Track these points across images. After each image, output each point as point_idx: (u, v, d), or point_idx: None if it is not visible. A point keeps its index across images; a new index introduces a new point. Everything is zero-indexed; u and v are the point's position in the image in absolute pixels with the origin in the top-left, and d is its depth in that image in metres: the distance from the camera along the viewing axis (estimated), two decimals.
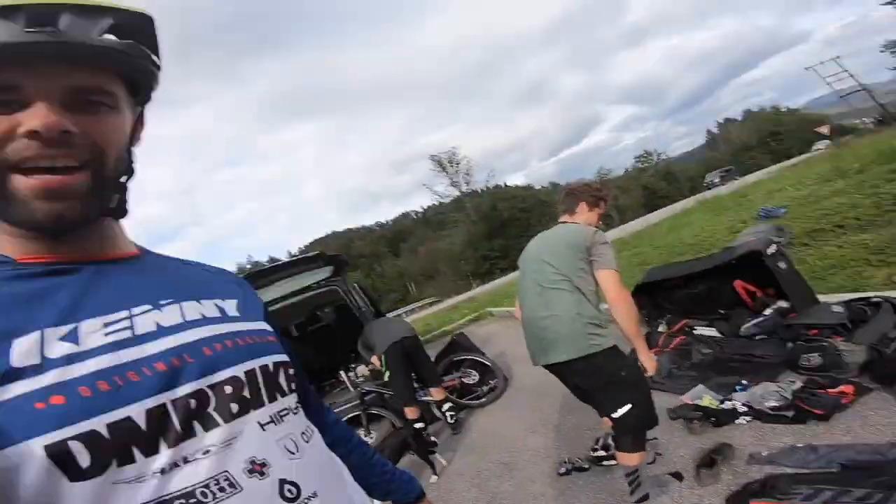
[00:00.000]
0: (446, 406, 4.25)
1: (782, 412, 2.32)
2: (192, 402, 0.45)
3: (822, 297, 3.14)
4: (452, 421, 4.24)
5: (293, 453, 0.50)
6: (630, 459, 1.99)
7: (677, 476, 2.24)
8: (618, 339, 1.98)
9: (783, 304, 3.17)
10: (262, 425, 0.49)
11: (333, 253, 4.86)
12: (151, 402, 0.43)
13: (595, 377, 1.96)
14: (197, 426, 0.45)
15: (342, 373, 4.84)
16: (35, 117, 0.44)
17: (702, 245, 6.48)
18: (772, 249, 3.12)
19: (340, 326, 6.33)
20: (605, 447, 2.66)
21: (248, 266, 68.07)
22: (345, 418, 4.32)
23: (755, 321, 3.24)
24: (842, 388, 2.27)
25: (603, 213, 2.23)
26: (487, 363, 4.86)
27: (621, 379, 1.92)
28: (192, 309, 0.52)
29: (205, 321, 0.52)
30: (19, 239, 0.49)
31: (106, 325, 0.46)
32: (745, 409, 2.47)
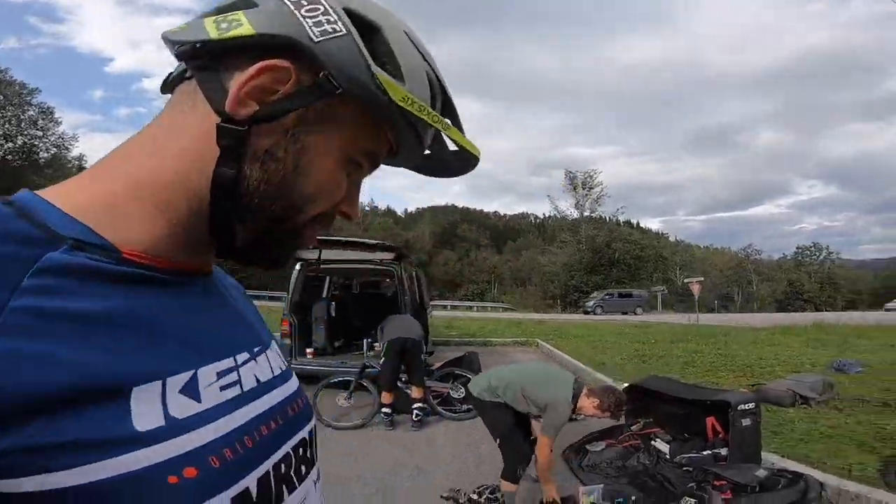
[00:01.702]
0: (417, 405, 4.82)
1: None
2: (283, 467, 0.43)
3: (772, 458, 3.06)
4: (416, 419, 4.82)
5: None
6: None
7: None
8: None
9: (725, 451, 3.12)
10: (314, 483, 0.48)
11: (398, 245, 5.75)
12: (262, 470, 0.39)
13: None
14: (284, 489, 0.42)
15: (365, 340, 5.57)
16: (354, 204, 0.46)
17: (752, 371, 6.02)
18: (745, 406, 3.11)
19: (384, 302, 7.16)
20: (479, 493, 3.02)
21: (367, 209, 72.66)
22: (338, 379, 5.01)
23: (690, 455, 3.25)
24: None
25: (594, 416, 2.74)
26: None
27: None
28: (273, 359, 0.49)
29: (281, 376, 0.48)
30: (160, 233, 0.38)
31: (218, 375, 0.39)
32: None
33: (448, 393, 5.27)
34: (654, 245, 43.92)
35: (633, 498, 2.89)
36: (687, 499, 2.61)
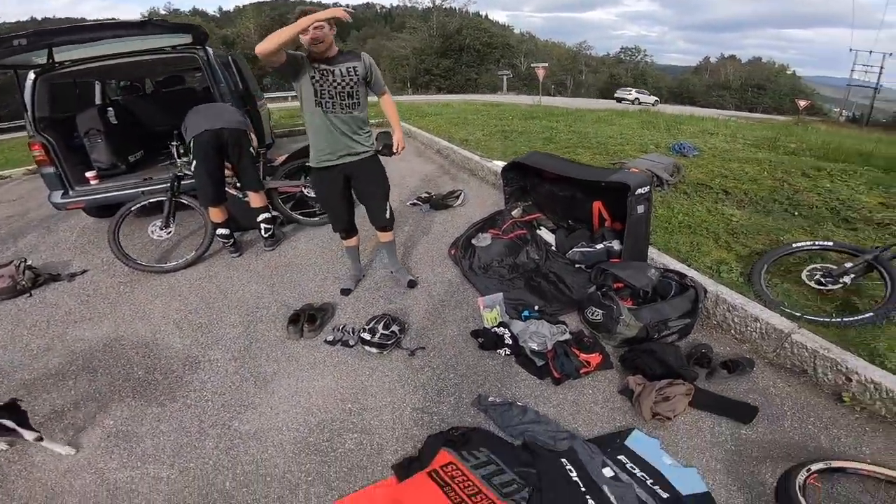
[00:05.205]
0: (262, 217, 3.82)
1: (534, 358, 2.27)
2: None
3: (651, 252, 3.05)
4: (267, 236, 3.87)
5: None
6: None
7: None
8: None
9: (616, 244, 3.03)
10: None
11: (189, 23, 4.02)
12: None
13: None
14: None
15: (173, 144, 4.00)
16: None
17: (607, 149, 6.20)
18: (642, 190, 2.80)
19: (194, 98, 5.55)
20: (371, 330, 2.49)
21: (164, 12, 56.62)
22: (150, 200, 3.70)
23: (584, 249, 3.11)
24: (591, 355, 2.22)
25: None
26: None
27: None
28: None
29: None
30: None
31: None
32: (510, 341, 2.38)
33: (302, 191, 4.35)
34: (502, 34, 45.20)
35: (537, 308, 2.69)
36: (594, 309, 2.44)
